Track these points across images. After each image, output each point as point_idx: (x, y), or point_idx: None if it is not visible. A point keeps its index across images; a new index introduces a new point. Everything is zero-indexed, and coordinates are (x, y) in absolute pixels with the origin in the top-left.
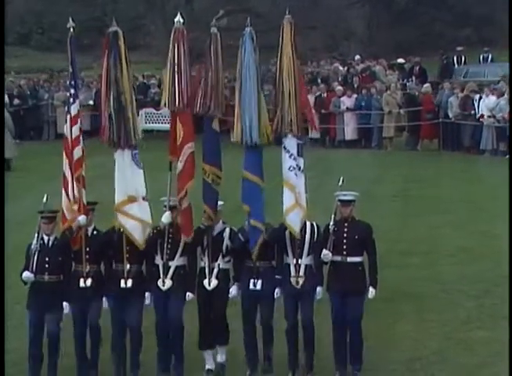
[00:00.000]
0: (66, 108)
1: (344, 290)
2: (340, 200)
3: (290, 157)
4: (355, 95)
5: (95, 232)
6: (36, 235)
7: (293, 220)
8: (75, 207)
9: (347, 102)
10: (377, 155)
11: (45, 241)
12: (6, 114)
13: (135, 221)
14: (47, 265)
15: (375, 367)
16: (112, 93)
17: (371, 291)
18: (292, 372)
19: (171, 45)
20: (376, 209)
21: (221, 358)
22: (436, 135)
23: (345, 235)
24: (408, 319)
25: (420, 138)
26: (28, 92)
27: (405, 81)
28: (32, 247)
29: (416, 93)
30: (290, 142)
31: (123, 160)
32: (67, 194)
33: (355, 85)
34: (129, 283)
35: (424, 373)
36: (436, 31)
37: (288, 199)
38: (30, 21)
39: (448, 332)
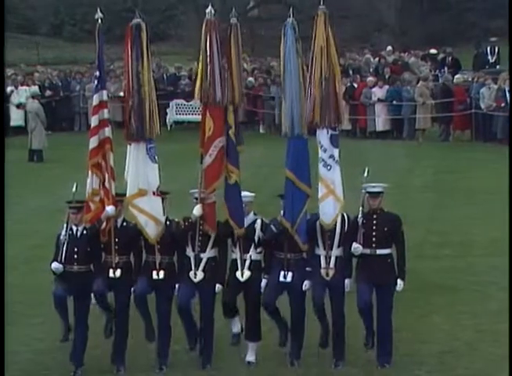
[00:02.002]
0: None
1: (373, 282)
2: (368, 192)
3: (320, 148)
4: (386, 86)
5: (124, 223)
6: (65, 225)
7: (324, 211)
8: (96, 198)
9: (378, 93)
10: (409, 146)
11: (74, 232)
12: (38, 105)
13: (146, 216)
14: (76, 256)
15: (407, 360)
16: (133, 86)
17: (399, 284)
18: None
19: (202, 37)
20: (408, 200)
21: (250, 357)
22: (468, 126)
23: (374, 227)
24: (440, 311)
25: (452, 129)
26: (60, 84)
27: (438, 71)
28: (61, 237)
29: (451, 84)
30: (321, 134)
31: (137, 153)
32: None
33: (386, 76)
34: (161, 274)
35: (456, 365)
36: (469, 21)
37: (319, 190)
38: (63, 12)
39: (479, 324)
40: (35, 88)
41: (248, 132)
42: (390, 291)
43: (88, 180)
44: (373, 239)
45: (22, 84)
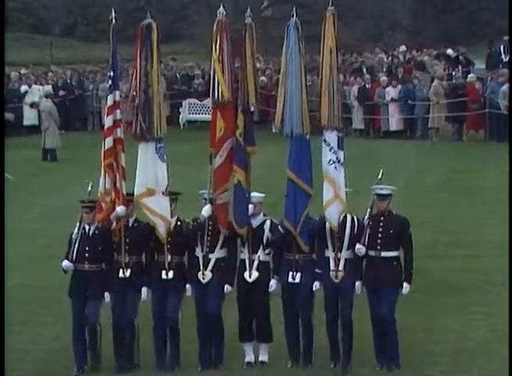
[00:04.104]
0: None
1: (378, 285)
2: (376, 194)
3: (330, 150)
4: (400, 86)
5: (135, 223)
6: (78, 224)
7: (332, 214)
8: (107, 198)
9: (391, 92)
10: (422, 146)
11: (86, 231)
12: (51, 105)
13: (157, 217)
14: (87, 254)
15: (420, 360)
16: (141, 86)
17: (405, 287)
18: (334, 364)
19: (214, 37)
20: (421, 200)
21: (263, 357)
22: (482, 126)
23: (380, 229)
24: (453, 312)
25: (466, 128)
26: (74, 83)
27: (451, 71)
28: (73, 236)
29: (465, 83)
30: (331, 136)
31: (146, 152)
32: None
33: (399, 76)
34: (170, 274)
35: (469, 365)
36: (482, 20)
37: (327, 193)
38: (76, 12)
39: (492, 324)
40: (49, 88)
41: (261, 132)
42: (394, 293)
43: (101, 180)
44: (378, 241)
45: (35, 84)
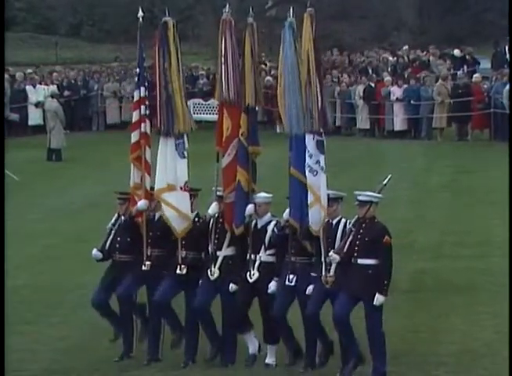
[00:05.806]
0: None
1: (353, 293)
2: (356, 200)
3: (306, 153)
4: (405, 86)
5: (161, 217)
6: (116, 215)
7: (313, 218)
8: (139, 191)
9: (396, 92)
10: (427, 145)
11: (121, 221)
12: (57, 105)
13: (173, 210)
14: (117, 245)
15: (425, 360)
16: (161, 83)
17: (377, 298)
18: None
19: (219, 37)
20: (426, 200)
21: (269, 359)
22: (487, 126)
23: (359, 236)
24: (458, 312)
25: (471, 128)
26: (80, 83)
27: (456, 71)
28: (108, 226)
29: (470, 83)
30: (307, 140)
31: (166, 147)
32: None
33: (406, 75)
34: (184, 270)
35: (474, 366)
36: (487, 21)
37: (308, 197)
38: (82, 12)
39: (498, 325)
40: (54, 88)
41: (266, 132)
42: (374, 307)
43: (131, 174)
44: (356, 248)
45: (40, 84)
